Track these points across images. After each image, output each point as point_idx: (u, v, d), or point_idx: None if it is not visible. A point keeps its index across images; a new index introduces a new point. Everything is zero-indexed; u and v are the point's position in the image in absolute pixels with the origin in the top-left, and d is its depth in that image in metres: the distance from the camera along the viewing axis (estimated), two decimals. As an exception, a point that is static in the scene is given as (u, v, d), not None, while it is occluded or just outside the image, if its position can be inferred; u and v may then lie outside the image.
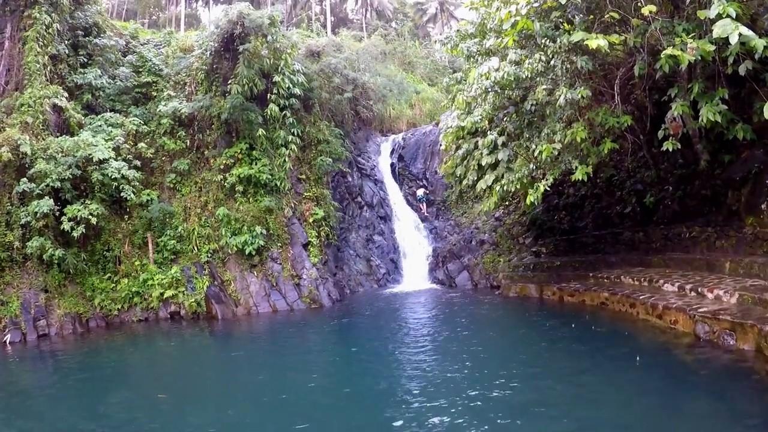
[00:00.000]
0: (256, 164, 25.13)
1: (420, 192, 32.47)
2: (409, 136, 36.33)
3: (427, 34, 67.92)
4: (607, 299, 17.32)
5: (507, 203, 27.31)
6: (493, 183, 18.76)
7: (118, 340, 19.71)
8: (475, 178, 19.99)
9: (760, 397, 9.19)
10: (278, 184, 25.37)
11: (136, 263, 23.32)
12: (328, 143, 28.01)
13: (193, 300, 22.85)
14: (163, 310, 22.84)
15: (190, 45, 29.21)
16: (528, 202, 16.72)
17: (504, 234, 27.33)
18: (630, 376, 11.01)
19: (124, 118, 25.08)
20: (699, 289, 13.91)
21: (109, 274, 22.92)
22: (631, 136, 16.23)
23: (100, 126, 23.98)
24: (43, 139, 22.16)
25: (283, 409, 11.02)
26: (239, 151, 25.31)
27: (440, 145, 24.80)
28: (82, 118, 24.21)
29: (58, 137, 22.34)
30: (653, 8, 11.62)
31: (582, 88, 13.85)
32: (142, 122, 25.36)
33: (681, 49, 11.21)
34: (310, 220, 26.17)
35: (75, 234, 20.89)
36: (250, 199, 25.05)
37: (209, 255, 24.14)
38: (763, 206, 14.44)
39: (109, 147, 22.47)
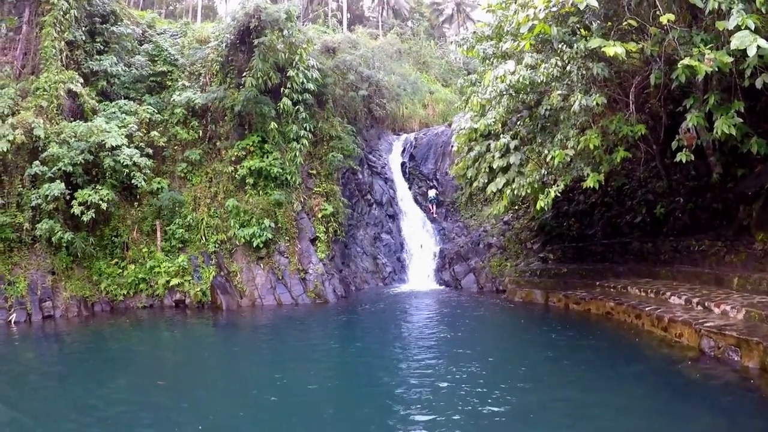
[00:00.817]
0: (267, 157, 25.18)
1: (431, 193, 32.43)
2: (421, 136, 36.30)
3: (443, 34, 67.74)
4: (613, 309, 17.21)
5: (516, 208, 27.24)
6: (503, 186, 18.72)
7: (122, 326, 19.78)
8: (486, 181, 19.97)
9: (762, 415, 9.07)
10: (289, 178, 25.40)
11: (144, 250, 23.42)
12: (340, 139, 28.04)
13: (198, 289, 22.93)
14: (169, 298, 22.93)
15: (206, 36, 29.31)
16: (538, 207, 16.66)
17: (512, 238, 27.28)
18: (631, 388, 10.88)
19: (138, 106, 25.18)
20: (706, 303, 13.80)
21: (116, 260, 23.04)
22: (644, 145, 16.16)
23: (114, 113, 24.07)
24: (57, 124, 22.27)
25: (279, 402, 10.98)
26: (251, 143, 25.38)
27: (452, 146, 24.79)
28: (97, 104, 24.29)
29: (71, 122, 22.43)
30: (671, 17, 11.54)
31: (597, 95, 13.79)
32: (155, 111, 25.44)
33: (698, 60, 11.13)
34: (319, 216, 26.21)
35: (84, 218, 21.00)
36: (260, 192, 25.10)
37: (217, 245, 24.21)
38: (774, 222, 14.34)
39: (122, 134, 22.55)
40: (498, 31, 18.44)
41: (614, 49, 11.78)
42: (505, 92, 17.26)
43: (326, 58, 30.64)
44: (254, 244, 23.91)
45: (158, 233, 23.84)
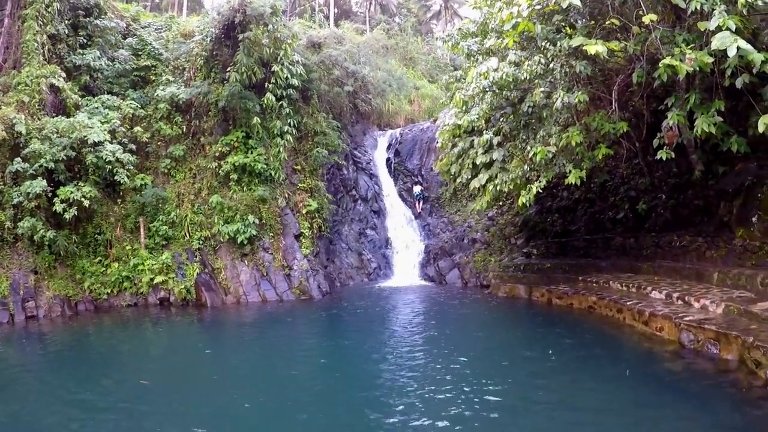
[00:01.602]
0: (251, 153, 25.09)
1: (417, 189, 32.46)
2: (407, 132, 36.30)
3: (431, 30, 67.78)
4: (595, 303, 17.38)
5: (501, 203, 27.35)
6: (486, 182, 18.77)
7: (106, 325, 19.69)
8: (469, 177, 20.01)
9: (741, 407, 9.22)
10: (273, 174, 25.33)
11: (127, 248, 23.27)
12: (325, 135, 28.01)
13: (182, 287, 22.84)
14: (153, 296, 22.82)
15: (191, 30, 29.12)
16: (520, 203, 16.72)
17: (496, 234, 27.39)
18: (612, 381, 11.02)
19: (122, 101, 25.02)
20: (686, 298, 13.98)
21: (99, 258, 22.87)
22: (627, 142, 16.26)
23: (97, 108, 23.90)
24: (39, 119, 22.07)
25: (263, 400, 11.05)
26: (235, 139, 25.28)
27: (437, 142, 24.81)
28: (79, 99, 24.10)
29: (54, 117, 22.23)
30: (654, 17, 11.62)
31: (580, 92, 13.85)
32: (139, 106, 25.25)
33: (680, 60, 11.22)
34: (304, 212, 26.17)
35: (67, 216, 20.83)
36: (244, 188, 25.01)
37: (201, 242, 24.12)
38: (753, 219, 14.52)
39: (105, 129, 22.36)
40: (483, 28, 18.51)
41: (596, 47, 11.85)
42: (488, 89, 17.29)
43: (312, 54, 30.57)
44: (238, 241, 23.84)
45: (142, 230, 23.70)
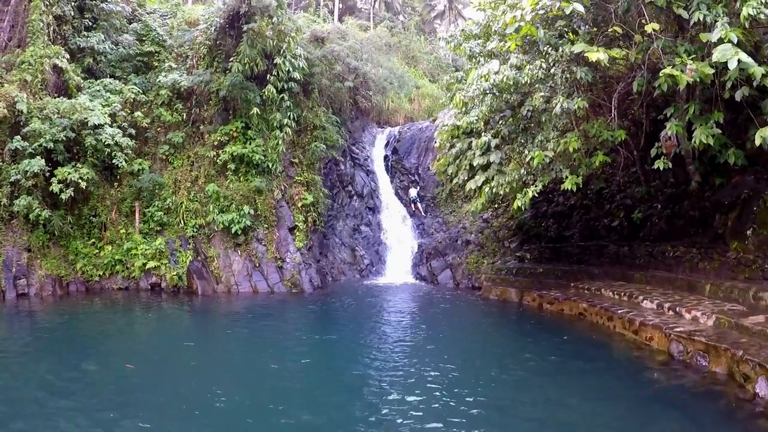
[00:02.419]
0: (250, 144, 25.09)
1: (413, 192, 32.32)
2: (405, 130, 36.32)
3: (434, 30, 67.81)
4: (586, 310, 17.40)
5: (496, 206, 27.41)
6: (482, 184, 18.80)
7: (96, 307, 19.70)
8: (466, 178, 20.04)
9: (727, 420, 9.21)
10: (270, 165, 25.33)
11: (122, 231, 23.32)
12: (324, 129, 27.99)
13: (174, 273, 22.87)
14: (144, 281, 22.86)
15: (196, 18, 29.10)
16: (515, 206, 16.73)
17: (490, 236, 27.42)
18: (599, 390, 11.02)
19: (123, 85, 25.05)
20: (677, 309, 14.01)
21: (93, 240, 22.93)
22: (625, 151, 16.31)
23: (99, 91, 23.92)
24: (41, 99, 22.10)
25: (246, 390, 11.06)
26: (234, 129, 25.27)
27: (435, 142, 24.82)
28: (82, 81, 24.12)
29: (55, 98, 22.26)
30: (657, 26, 11.67)
31: (580, 98, 13.88)
32: (140, 91, 25.29)
33: (681, 70, 11.26)
34: (299, 205, 26.16)
35: (63, 196, 20.88)
36: (241, 178, 25.02)
37: (195, 230, 24.13)
38: (748, 232, 14.56)
39: (106, 113, 22.43)
40: (486, 30, 18.53)
41: (597, 54, 11.87)
42: (488, 91, 17.30)
43: (314, 48, 30.51)
44: (233, 231, 23.85)
45: (137, 215, 23.72)
